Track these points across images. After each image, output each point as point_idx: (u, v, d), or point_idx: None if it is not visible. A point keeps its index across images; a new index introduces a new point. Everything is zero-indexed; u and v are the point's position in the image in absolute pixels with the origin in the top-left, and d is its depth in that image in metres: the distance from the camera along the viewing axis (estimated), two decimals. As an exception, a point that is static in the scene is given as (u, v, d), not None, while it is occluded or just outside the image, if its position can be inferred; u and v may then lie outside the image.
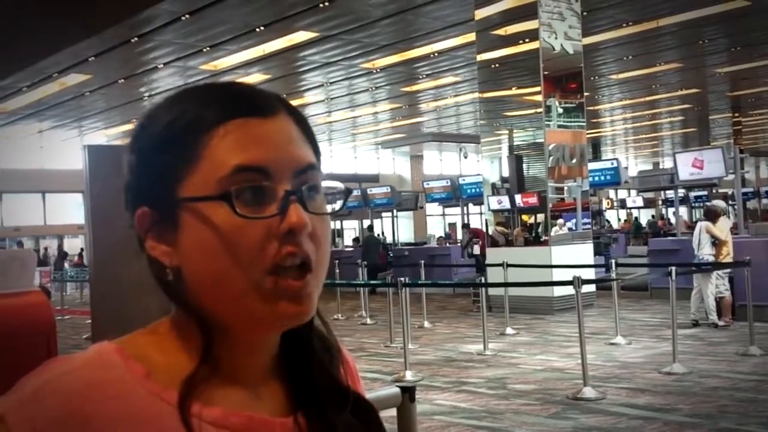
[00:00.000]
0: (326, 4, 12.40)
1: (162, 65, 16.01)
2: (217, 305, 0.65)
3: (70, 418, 0.59)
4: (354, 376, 0.80)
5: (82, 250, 23.68)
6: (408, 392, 2.00)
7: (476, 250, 15.77)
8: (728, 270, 9.25)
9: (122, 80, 17.17)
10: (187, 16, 12.49)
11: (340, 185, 0.71)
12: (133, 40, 13.82)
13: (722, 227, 9.36)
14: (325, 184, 0.69)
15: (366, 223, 20.38)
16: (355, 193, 20.45)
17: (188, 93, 0.69)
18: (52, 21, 11.50)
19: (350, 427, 0.71)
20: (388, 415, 1.99)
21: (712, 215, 9.44)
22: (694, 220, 19.91)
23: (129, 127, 23.43)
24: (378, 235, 22.38)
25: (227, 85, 0.69)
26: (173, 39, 14.11)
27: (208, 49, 14.88)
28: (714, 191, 14.98)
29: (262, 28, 13.70)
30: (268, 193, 0.63)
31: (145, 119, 0.69)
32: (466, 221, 19.27)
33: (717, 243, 9.28)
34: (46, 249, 27.26)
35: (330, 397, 0.71)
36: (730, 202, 16.87)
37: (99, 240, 3.13)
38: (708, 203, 10.71)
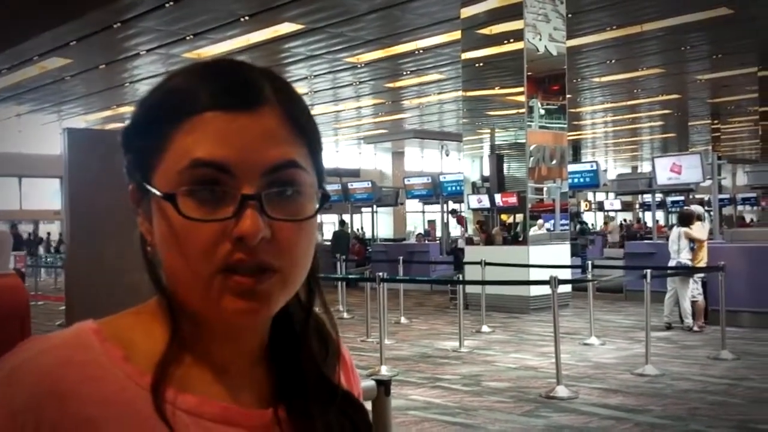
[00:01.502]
0: (312, -4, 12.36)
1: (144, 52, 15.86)
2: (180, 292, 0.64)
3: (46, 398, 0.59)
4: (349, 372, 0.78)
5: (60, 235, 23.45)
6: (383, 386, 2.00)
7: (461, 243, 15.82)
8: (702, 275, 9.36)
9: (103, 66, 16.98)
10: (171, 3, 12.38)
11: (324, 189, 0.68)
12: (115, 26, 13.67)
13: (699, 230, 9.45)
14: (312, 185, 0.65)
15: (346, 217, 20.37)
16: (336, 187, 20.42)
17: (180, 73, 0.67)
18: (33, 3, 11.35)
19: (333, 425, 0.70)
20: (363, 408, 1.99)
21: (687, 220, 9.53)
22: (670, 224, 20.11)
23: (109, 112, 23.20)
24: (358, 230, 22.39)
25: (215, 68, 0.65)
26: (156, 26, 13.98)
27: (191, 37, 14.76)
28: (691, 196, 15.15)
29: (246, 18, 13.62)
30: (228, 194, 0.61)
31: (141, 98, 0.68)
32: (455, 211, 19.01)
33: (695, 247, 9.37)
34: (48, 234, 26.74)
35: (316, 392, 0.69)
36: (707, 208, 17.08)
37: (76, 225, 3.09)
38: (682, 208, 10.82)
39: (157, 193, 0.62)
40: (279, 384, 0.70)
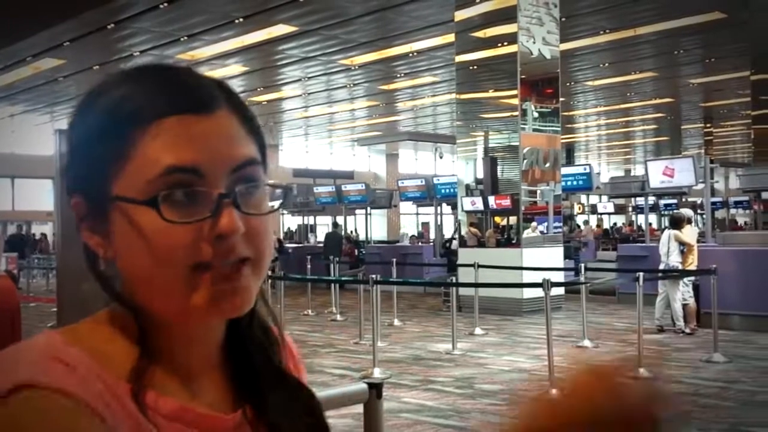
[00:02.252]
0: (307, -2, 12.36)
1: (138, 53, 15.82)
2: (150, 300, 0.64)
3: (91, 376, 0.60)
4: (297, 363, 0.80)
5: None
6: (375, 389, 2.00)
7: (455, 244, 15.82)
8: (693, 278, 9.39)
9: (97, 66, 16.92)
10: (165, 4, 12.36)
11: (280, 183, 0.69)
12: (109, 27, 13.64)
13: (689, 234, 9.50)
14: (267, 181, 0.67)
15: (340, 219, 20.36)
16: (330, 189, 20.41)
17: (128, 78, 0.66)
18: (27, 3, 11.31)
19: (292, 414, 0.72)
20: (356, 411, 1.99)
21: (677, 223, 9.58)
22: (662, 227, 20.17)
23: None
24: (351, 232, 22.36)
25: (167, 74, 0.66)
26: (150, 27, 13.95)
27: (185, 38, 14.74)
28: (683, 200, 15.19)
29: (241, 19, 13.61)
30: (201, 195, 0.62)
31: (85, 100, 0.67)
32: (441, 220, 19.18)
33: (685, 250, 9.42)
34: (43, 235, 26.55)
35: (270, 383, 0.71)
36: (699, 211, 17.13)
37: (68, 226, 3.09)
38: (673, 211, 10.86)
39: (134, 199, 0.62)
40: (240, 383, 0.71)
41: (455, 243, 14.35)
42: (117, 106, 0.64)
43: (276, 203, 0.67)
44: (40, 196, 26.67)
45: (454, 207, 17.14)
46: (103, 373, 0.61)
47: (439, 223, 18.55)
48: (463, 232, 12.77)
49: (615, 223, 30.94)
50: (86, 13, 12.42)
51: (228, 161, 0.63)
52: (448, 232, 18.54)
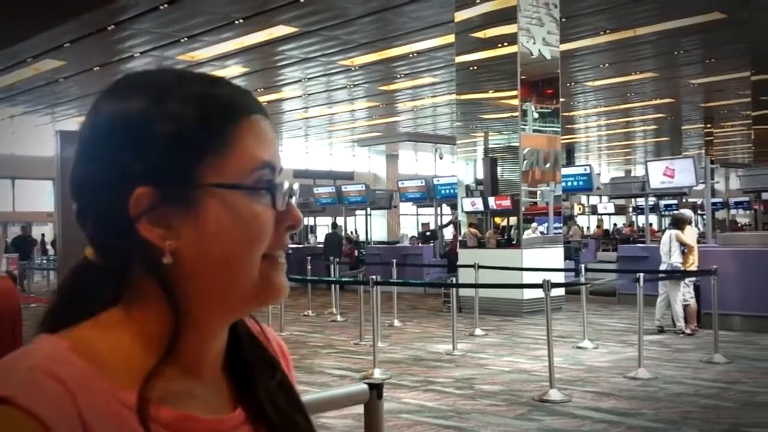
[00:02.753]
0: (307, -1, 12.37)
1: (138, 54, 15.83)
2: (220, 285, 0.66)
3: (66, 399, 0.59)
4: (286, 359, 0.81)
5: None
6: (376, 389, 2.00)
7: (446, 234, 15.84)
8: (694, 278, 9.39)
9: (97, 67, 16.94)
10: (166, 5, 12.37)
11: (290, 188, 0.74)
12: (109, 28, 13.65)
13: (690, 235, 9.51)
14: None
15: (340, 220, 20.36)
16: (330, 190, 20.41)
17: (211, 81, 0.69)
18: (27, 4, 11.32)
19: (285, 410, 0.73)
20: (356, 412, 1.99)
21: (679, 223, 9.58)
22: (663, 227, 20.17)
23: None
24: (351, 232, 22.36)
25: (223, 80, 0.71)
26: (151, 28, 13.96)
27: (185, 39, 14.75)
28: (684, 200, 15.18)
29: (241, 20, 13.61)
30: (277, 189, 0.68)
31: (150, 95, 0.65)
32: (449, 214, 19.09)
33: (685, 251, 9.42)
34: (42, 235, 26.53)
35: (264, 380, 0.74)
36: (700, 212, 17.13)
37: (69, 227, 3.09)
38: (675, 212, 10.86)
39: (245, 185, 0.66)
40: (236, 381, 0.73)
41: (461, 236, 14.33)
42: (212, 100, 0.67)
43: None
44: (40, 198, 26.68)
45: (453, 207, 17.24)
46: (102, 383, 0.61)
47: (439, 223, 18.54)
48: (463, 233, 12.77)
49: (615, 224, 30.94)
50: (87, 14, 12.42)
51: (280, 163, 0.70)
52: (448, 232, 18.53)
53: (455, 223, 16.30)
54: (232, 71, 17.28)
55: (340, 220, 19.95)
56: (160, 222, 0.64)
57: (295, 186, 0.71)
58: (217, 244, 0.65)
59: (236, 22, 13.69)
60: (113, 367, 0.62)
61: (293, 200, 0.70)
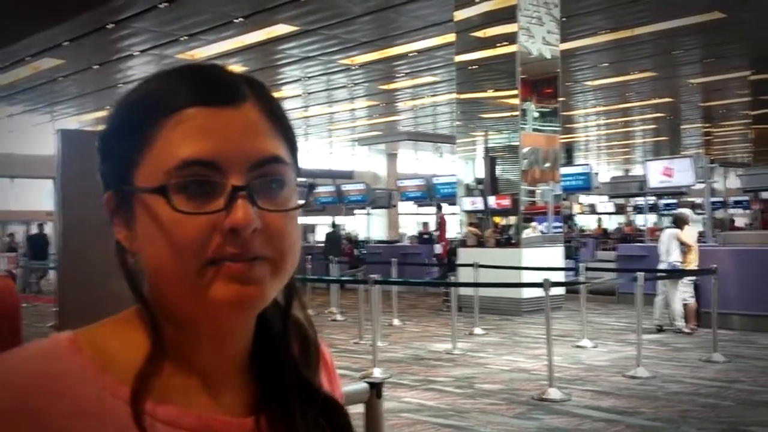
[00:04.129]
0: (307, -2, 12.36)
1: (138, 53, 15.82)
2: (166, 294, 0.63)
3: (18, 415, 0.58)
4: (331, 373, 0.78)
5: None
6: (375, 388, 2.00)
7: (437, 249, 15.84)
8: (693, 277, 9.40)
9: (96, 66, 16.92)
10: (165, 4, 12.35)
11: (305, 181, 0.69)
12: (108, 26, 13.63)
13: (689, 234, 9.52)
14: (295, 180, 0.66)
15: (340, 219, 20.36)
16: (330, 189, 20.41)
17: (156, 76, 0.67)
18: (26, 3, 11.31)
19: (315, 430, 0.69)
20: (356, 411, 1.99)
21: (680, 223, 9.60)
22: (663, 226, 20.19)
23: (102, 113, 23.14)
24: (350, 231, 22.36)
25: (194, 68, 0.66)
26: (150, 27, 13.95)
27: (185, 38, 14.74)
28: (682, 199, 15.20)
29: (240, 19, 13.60)
30: (217, 187, 0.61)
31: (115, 102, 0.68)
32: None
33: (685, 250, 9.43)
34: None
35: (297, 397, 0.69)
36: (699, 211, 17.13)
37: (68, 226, 3.09)
38: (675, 211, 10.89)
39: (146, 188, 0.62)
40: (261, 391, 0.69)
41: (438, 247, 14.32)
42: (142, 98, 0.65)
43: (299, 201, 0.66)
44: (39, 196, 26.67)
45: (439, 208, 17.29)
46: (104, 378, 0.61)
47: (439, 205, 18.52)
48: (463, 232, 12.78)
49: (619, 223, 30.93)
50: (85, 12, 12.41)
51: (247, 154, 0.62)
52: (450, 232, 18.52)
53: (442, 224, 16.37)
54: (214, 63, 17.23)
55: (339, 220, 19.94)
56: (126, 224, 0.65)
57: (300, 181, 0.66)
58: (148, 250, 0.63)
59: (236, 20, 13.68)
60: (118, 362, 0.62)
61: (252, 198, 0.61)
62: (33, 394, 0.59)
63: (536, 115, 11.92)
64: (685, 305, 9.37)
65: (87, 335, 0.64)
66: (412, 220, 28.87)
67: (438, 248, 15.99)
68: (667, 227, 10.05)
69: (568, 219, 21.83)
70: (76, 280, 3.06)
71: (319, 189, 20.80)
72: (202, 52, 16.00)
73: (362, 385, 2.01)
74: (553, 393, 5.97)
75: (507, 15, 11.52)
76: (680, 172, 12.46)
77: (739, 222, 24.71)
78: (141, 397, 0.61)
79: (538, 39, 11.70)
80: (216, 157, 0.61)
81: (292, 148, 0.68)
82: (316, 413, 0.70)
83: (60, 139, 3.15)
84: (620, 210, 30.34)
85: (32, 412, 0.58)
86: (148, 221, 0.62)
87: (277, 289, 0.66)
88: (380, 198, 20.22)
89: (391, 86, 20.57)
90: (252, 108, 0.65)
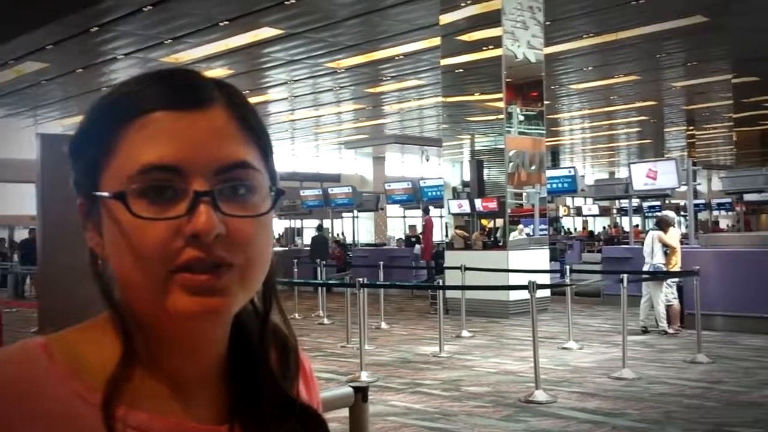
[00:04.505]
0: (292, 1, 12.34)
1: (122, 56, 15.74)
2: (132, 300, 0.63)
3: None
4: (309, 381, 0.77)
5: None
6: (361, 392, 2.00)
7: (416, 249, 15.89)
8: (677, 279, 9.47)
9: (80, 70, 16.82)
10: (150, 7, 12.30)
11: (279, 188, 0.67)
12: (93, 30, 13.56)
13: (673, 236, 9.59)
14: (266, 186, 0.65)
15: (327, 222, 20.32)
16: (317, 192, 20.38)
17: (124, 82, 0.66)
18: (9, 6, 11.22)
19: None
20: (341, 415, 1.99)
21: (663, 225, 9.67)
22: (646, 229, 20.31)
23: (86, 117, 22.94)
24: (338, 235, 22.33)
25: (163, 72, 0.65)
26: (134, 30, 13.88)
27: (169, 41, 14.68)
28: (666, 202, 15.30)
29: (226, 22, 13.56)
30: (179, 192, 0.60)
31: (89, 107, 0.68)
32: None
33: (668, 252, 9.51)
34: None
35: (273, 407, 0.68)
36: (682, 213, 17.26)
37: (49, 231, 3.06)
38: (659, 214, 10.96)
39: (106, 194, 0.62)
40: (236, 399, 0.68)
41: (417, 247, 14.29)
42: (108, 104, 0.64)
43: (265, 207, 0.64)
44: (23, 201, 26.44)
45: (426, 211, 17.31)
46: (73, 384, 0.61)
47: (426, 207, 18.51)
48: (450, 235, 12.80)
49: (604, 227, 31.11)
50: (69, 16, 12.33)
51: (212, 159, 0.61)
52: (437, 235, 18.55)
53: (428, 228, 16.40)
54: (217, 73, 17.22)
55: (327, 223, 19.90)
56: (97, 231, 0.65)
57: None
58: (114, 257, 0.63)
59: (221, 23, 13.64)
60: (90, 367, 0.62)
61: (215, 203, 0.60)
62: (4, 400, 0.58)
63: (522, 118, 11.97)
64: (668, 307, 9.43)
65: (59, 340, 0.64)
66: (399, 223, 28.86)
67: (417, 248, 16.03)
68: (652, 230, 10.11)
69: (555, 221, 21.97)
70: (57, 284, 3.03)
71: (306, 192, 20.76)
72: (187, 56, 15.94)
73: (347, 390, 2.00)
74: (540, 395, 5.99)
75: (492, 19, 11.56)
76: (664, 174, 12.54)
77: (723, 224, 24.95)
78: (112, 403, 0.60)
79: (523, 43, 11.75)
80: (178, 162, 0.60)
81: (265, 153, 0.66)
82: (293, 424, 0.69)
83: (40, 143, 3.13)
84: (605, 212, 30.52)
85: (3, 418, 0.58)
86: (112, 227, 0.62)
87: (247, 297, 0.65)
88: (367, 201, 20.21)
89: (378, 89, 20.57)
90: (221, 112, 0.64)
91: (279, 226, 25.91)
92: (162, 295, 0.60)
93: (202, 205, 0.60)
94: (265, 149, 0.66)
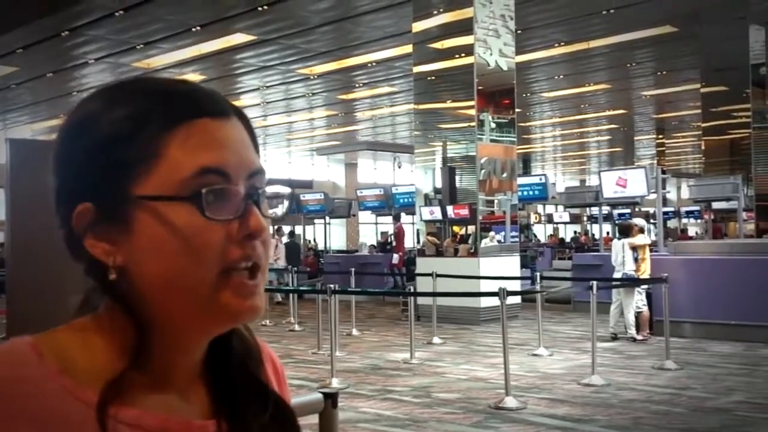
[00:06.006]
0: (265, 7, 12.32)
1: (93, 60, 15.58)
2: (169, 304, 0.63)
3: None
4: (282, 382, 0.79)
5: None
6: (330, 398, 2.00)
7: (395, 259, 15.90)
8: (646, 286, 9.58)
9: (51, 74, 16.61)
10: (121, 12, 12.20)
11: (286, 189, 0.71)
12: (63, 34, 13.40)
13: (641, 239, 9.68)
14: (270, 189, 0.69)
15: (299, 229, 20.25)
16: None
17: (135, 88, 0.67)
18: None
19: (268, 430, 0.71)
20: (312, 422, 1.99)
21: (627, 231, 9.76)
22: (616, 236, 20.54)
23: (56, 122, 22.66)
24: (310, 241, 22.26)
25: (176, 82, 0.67)
26: (106, 34, 13.75)
27: (141, 46, 14.56)
28: (636, 209, 15.50)
29: (198, 28, 13.50)
30: (228, 196, 0.63)
31: (84, 114, 0.66)
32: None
33: (638, 258, 9.59)
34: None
35: (249, 399, 0.71)
36: (652, 221, 17.49)
37: (18, 236, 3.02)
38: (620, 220, 11.07)
39: (170, 195, 0.62)
40: (218, 395, 0.71)
41: (396, 257, 14.36)
42: (136, 111, 0.64)
43: (279, 209, 0.69)
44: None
45: (397, 218, 17.36)
46: (63, 380, 0.62)
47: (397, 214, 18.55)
48: (421, 241, 12.84)
49: (576, 232, 31.40)
50: (40, 19, 12.18)
51: (248, 166, 0.66)
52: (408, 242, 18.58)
53: (399, 235, 16.46)
54: (189, 79, 17.07)
55: (298, 229, 19.82)
56: (104, 238, 0.64)
57: (283, 190, 0.69)
58: (153, 260, 0.63)
59: (193, 29, 13.57)
60: (78, 365, 0.63)
61: (258, 206, 0.65)
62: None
63: (493, 125, 12.06)
64: (638, 314, 9.53)
65: (47, 340, 0.65)
66: (371, 229, 28.87)
67: (395, 258, 16.04)
68: (618, 238, 10.20)
69: (526, 228, 22.13)
70: (25, 290, 2.99)
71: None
72: (159, 61, 15.82)
73: (316, 396, 2.00)
74: (510, 401, 6.03)
75: (464, 27, 11.64)
76: (634, 182, 12.71)
77: (692, 231, 25.32)
78: (111, 402, 0.62)
79: (495, 51, 11.86)
80: (227, 167, 0.64)
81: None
82: (266, 411, 0.71)
83: (9, 149, 3.09)
84: (576, 220, 30.82)
85: None
86: (161, 230, 0.62)
87: None
88: (339, 207, 20.19)
89: (350, 96, 20.60)
90: (238, 122, 0.68)
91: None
92: (214, 297, 0.63)
93: (253, 207, 0.65)
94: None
